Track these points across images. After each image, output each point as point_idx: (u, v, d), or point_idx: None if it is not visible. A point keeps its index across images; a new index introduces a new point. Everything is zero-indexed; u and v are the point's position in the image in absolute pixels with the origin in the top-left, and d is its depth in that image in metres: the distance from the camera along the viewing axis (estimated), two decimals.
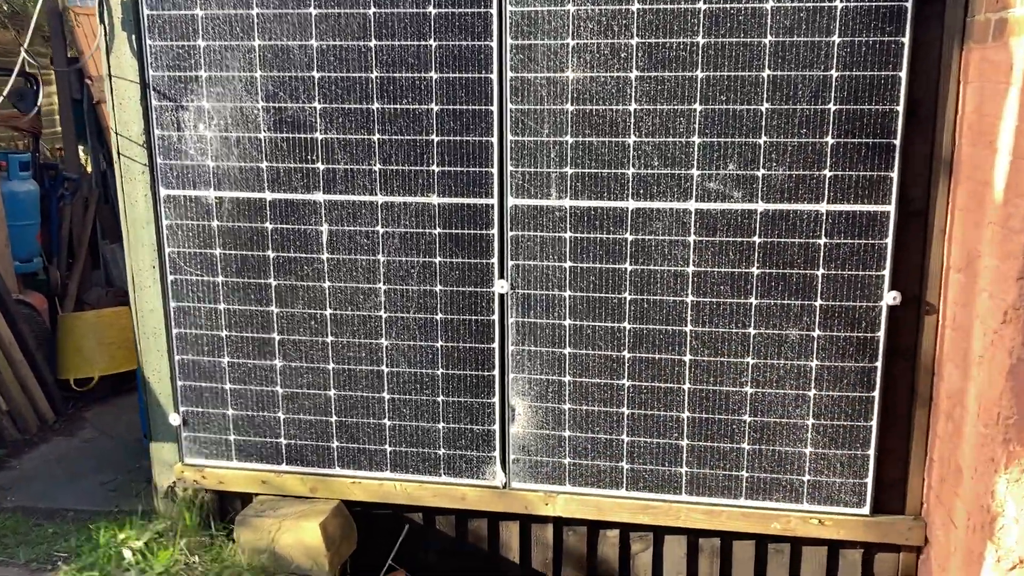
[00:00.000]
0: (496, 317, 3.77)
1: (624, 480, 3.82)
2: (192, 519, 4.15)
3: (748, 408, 3.66)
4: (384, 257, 3.80)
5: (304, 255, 3.87)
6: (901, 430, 3.64)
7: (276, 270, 3.90)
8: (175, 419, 4.14)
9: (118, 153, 3.98)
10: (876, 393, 3.56)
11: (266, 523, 3.92)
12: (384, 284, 3.82)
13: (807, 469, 3.67)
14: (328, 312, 3.89)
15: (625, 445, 3.79)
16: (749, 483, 3.72)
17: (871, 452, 3.61)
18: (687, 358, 3.66)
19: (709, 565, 3.91)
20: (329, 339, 3.92)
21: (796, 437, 3.65)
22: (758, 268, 3.53)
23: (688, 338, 3.64)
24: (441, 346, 3.83)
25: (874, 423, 3.59)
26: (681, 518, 3.80)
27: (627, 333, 3.68)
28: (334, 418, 3.99)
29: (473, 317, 3.79)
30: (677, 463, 3.76)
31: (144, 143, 3.93)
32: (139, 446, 5.28)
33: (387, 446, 3.98)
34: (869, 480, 3.64)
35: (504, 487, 3.93)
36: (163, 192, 3.93)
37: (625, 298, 3.64)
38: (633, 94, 3.48)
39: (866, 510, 3.67)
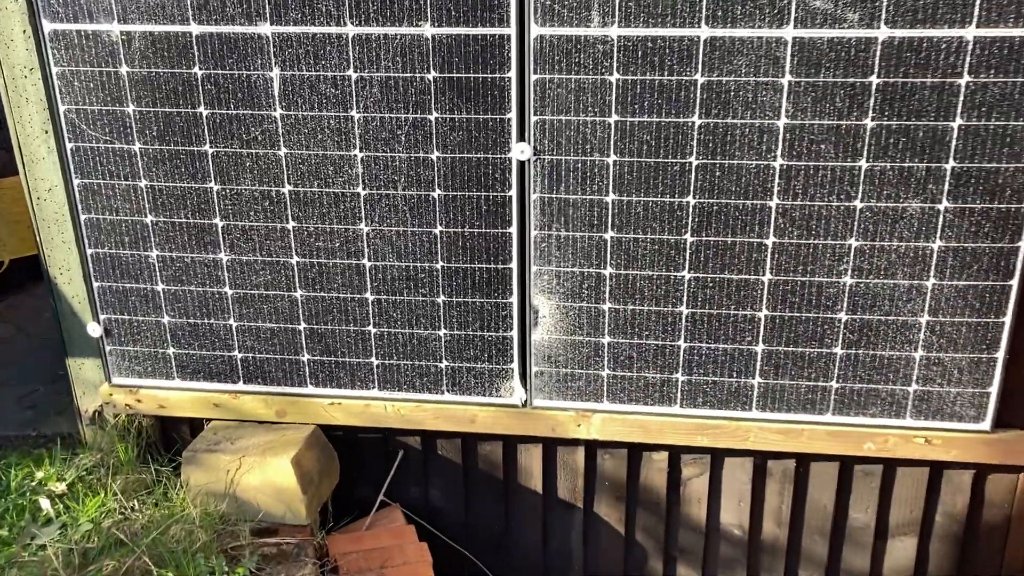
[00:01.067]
0: (514, 192, 2.83)
1: (678, 395, 3.01)
2: (127, 452, 3.29)
3: (845, 303, 2.81)
4: (359, 113, 2.80)
5: (249, 112, 2.85)
6: None
7: (212, 133, 2.88)
8: (95, 330, 3.20)
9: None
10: (1015, 281, 2.73)
11: (222, 460, 3.07)
12: (361, 151, 2.83)
13: (915, 377, 2.88)
14: (287, 189, 2.91)
15: (682, 352, 2.95)
16: (839, 396, 2.93)
17: (999, 355, 2.81)
18: (770, 241, 2.77)
19: (779, 491, 3.17)
20: (290, 225, 2.95)
21: (905, 338, 2.83)
22: (873, 119, 2.60)
23: (773, 215, 2.74)
24: (440, 232, 2.90)
25: (1008, 319, 2.77)
26: (751, 439, 3.02)
27: (691, 210, 2.77)
28: (303, 325, 3.09)
29: (482, 193, 2.84)
30: (748, 373, 2.94)
31: None
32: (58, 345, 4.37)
33: (373, 359, 3.10)
34: (994, 389, 2.86)
35: (524, 405, 3.10)
36: (48, 26, 2.84)
37: (690, 163, 2.71)
38: None
39: (986, 425, 2.90)
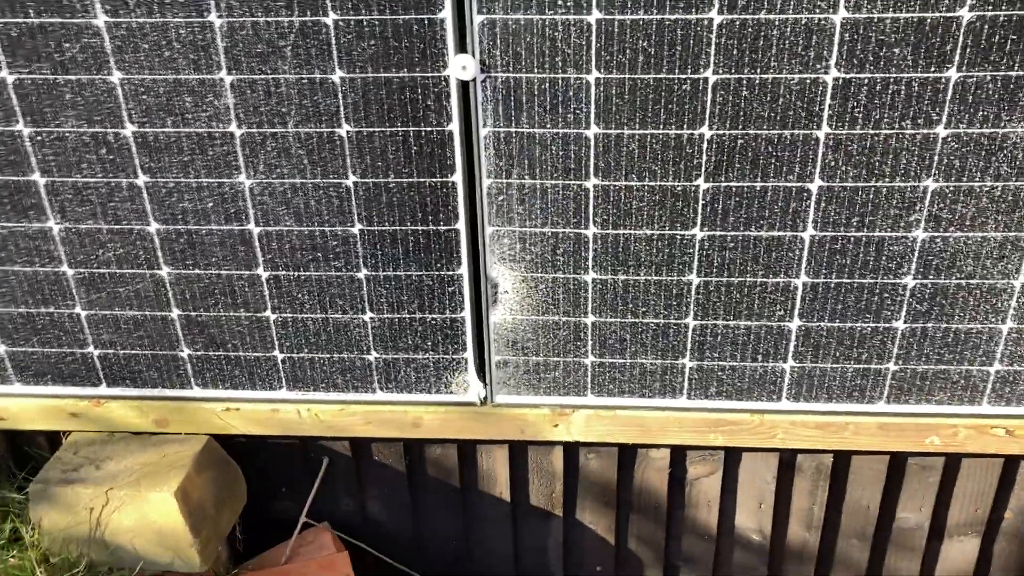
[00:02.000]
0: (455, 126, 1.98)
1: (685, 384, 2.28)
2: None
3: (914, 264, 2.06)
4: (221, 18, 1.89)
5: (59, 19, 1.92)
6: None
7: (9, 52, 1.97)
8: None
9: None
10: None
11: (83, 494, 2.30)
12: (230, 72, 1.95)
13: (999, 355, 2.16)
14: (129, 130, 2.03)
15: (690, 332, 2.20)
16: (898, 380, 2.21)
17: None
18: (815, 184, 1.98)
19: (810, 490, 2.50)
20: (141, 180, 2.09)
21: (991, 307, 2.10)
22: (973, 8, 1.78)
23: (821, 149, 1.94)
24: (355, 184, 2.06)
25: None
26: (779, 436, 2.31)
27: (706, 145, 1.96)
28: (176, 312, 2.27)
29: (411, 128, 1.99)
30: (779, 355, 2.21)
31: None
32: None
33: (276, 352, 2.31)
34: None
35: (484, 403, 2.35)
36: None
37: (706, 79, 1.88)
38: None
39: None
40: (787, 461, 2.47)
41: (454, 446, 2.51)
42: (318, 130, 2.00)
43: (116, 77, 1.97)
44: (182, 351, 2.33)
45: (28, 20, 1.92)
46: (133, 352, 2.34)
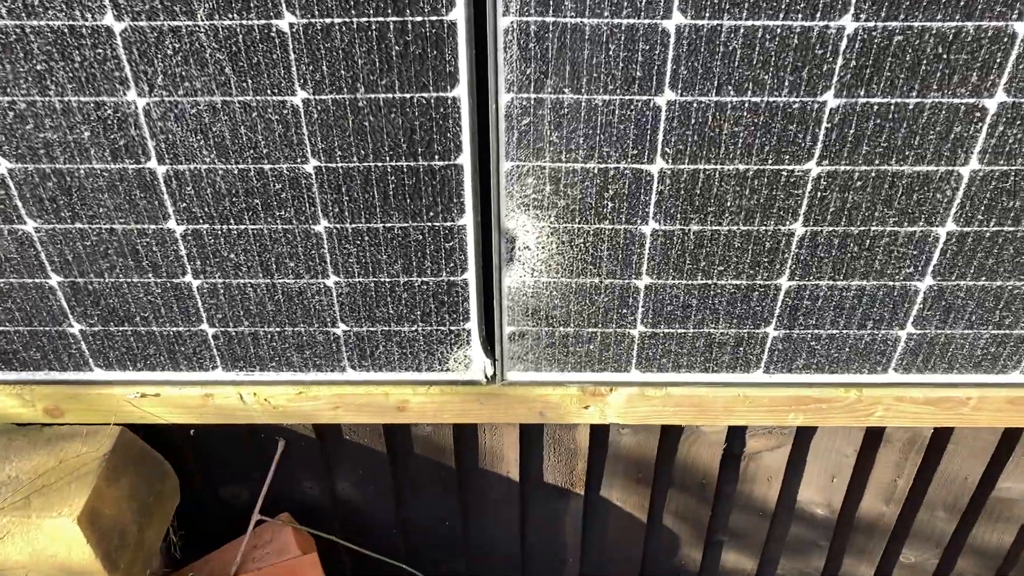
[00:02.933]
0: (460, 11, 1.28)
1: (764, 356, 1.70)
2: None
3: None
4: None
5: None
6: None
7: None
8: None
9: None
10: None
11: None
12: None
13: None
14: None
15: (782, 295, 1.60)
16: None
17: None
18: (993, 101, 1.34)
19: (896, 463, 2.00)
20: None
21: None
22: None
23: (1016, 44, 1.29)
24: (307, 101, 1.36)
25: None
26: (878, 413, 1.77)
27: (846, 44, 1.29)
28: (55, 279, 1.59)
29: (392, 19, 1.28)
30: (896, 321, 1.63)
31: None
32: None
33: (205, 325, 1.66)
34: None
35: (491, 380, 1.75)
36: None
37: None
38: None
39: None
40: (875, 434, 1.95)
41: (449, 424, 1.94)
42: (245, 22, 1.27)
43: None
44: (71, 326, 1.66)
45: None
46: (3, 328, 1.68)
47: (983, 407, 1.77)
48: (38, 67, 1.32)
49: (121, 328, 1.67)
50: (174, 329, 1.67)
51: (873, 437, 1.96)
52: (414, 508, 2.15)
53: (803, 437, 1.97)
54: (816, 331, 1.66)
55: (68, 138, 1.39)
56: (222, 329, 1.67)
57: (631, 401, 1.77)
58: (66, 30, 1.28)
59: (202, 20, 1.26)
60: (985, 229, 1.50)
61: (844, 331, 1.65)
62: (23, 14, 1.26)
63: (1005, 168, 1.41)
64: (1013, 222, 1.48)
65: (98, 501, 1.71)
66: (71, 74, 1.32)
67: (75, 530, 1.66)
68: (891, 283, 1.58)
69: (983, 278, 1.57)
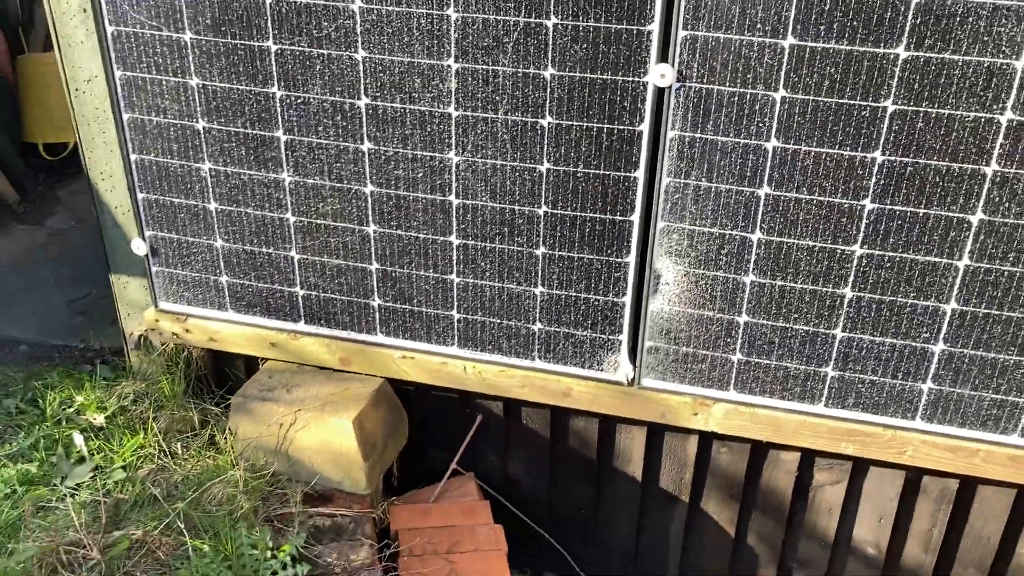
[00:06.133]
0: (646, 127, 2.22)
1: (825, 391, 2.43)
2: (174, 386, 2.90)
3: None
4: (458, 12, 2.20)
5: (322, 2, 2.27)
6: None
7: (277, 25, 2.33)
8: (139, 247, 2.76)
9: None
10: None
11: (276, 411, 2.65)
12: (457, 60, 2.25)
13: None
14: (363, 102, 2.36)
15: (837, 343, 2.35)
16: None
17: None
18: (976, 217, 2.11)
19: (932, 512, 2.60)
20: (366, 146, 2.41)
21: None
22: None
23: (987, 184, 2.07)
24: (548, 170, 2.32)
25: None
26: (908, 452, 2.43)
27: (877, 168, 2.12)
28: (375, 265, 2.59)
29: (605, 125, 2.24)
30: (919, 376, 2.34)
31: None
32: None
33: (454, 312, 2.60)
34: None
35: (631, 384, 2.57)
36: None
37: (884, 109, 2.05)
38: None
39: None
40: (913, 481, 2.58)
41: (596, 421, 2.74)
42: (524, 119, 2.27)
43: (360, 55, 2.30)
44: (374, 300, 2.65)
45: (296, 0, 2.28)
46: (332, 296, 2.68)
47: (990, 460, 2.39)
48: (406, 132, 2.36)
49: (403, 306, 2.63)
50: (434, 311, 2.61)
51: (912, 486, 2.58)
52: (561, 492, 2.92)
53: (858, 475, 2.61)
54: (861, 375, 2.38)
55: (410, 176, 2.41)
56: (464, 316, 2.59)
57: (728, 414, 2.52)
58: (427, 113, 2.32)
59: (501, 115, 2.27)
60: (979, 310, 2.22)
61: (882, 378, 2.37)
62: (408, 101, 2.31)
63: (988, 265, 2.16)
64: (999, 307, 2.20)
65: (364, 415, 2.62)
66: (422, 138, 2.35)
67: (349, 427, 2.57)
68: (914, 344, 2.30)
69: (981, 349, 2.26)
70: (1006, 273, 2.16)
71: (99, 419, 2.85)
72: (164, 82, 2.48)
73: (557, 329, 2.54)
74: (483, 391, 2.70)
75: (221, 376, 3.01)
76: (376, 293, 2.63)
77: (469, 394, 2.79)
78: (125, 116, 2.56)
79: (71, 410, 2.91)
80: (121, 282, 2.93)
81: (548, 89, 2.22)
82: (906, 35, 1.97)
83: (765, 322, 2.37)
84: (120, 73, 2.50)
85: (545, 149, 2.30)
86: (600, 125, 2.23)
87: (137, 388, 2.93)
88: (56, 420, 2.87)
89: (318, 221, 2.56)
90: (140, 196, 2.67)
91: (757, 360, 2.43)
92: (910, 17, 1.95)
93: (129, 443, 2.73)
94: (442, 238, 2.49)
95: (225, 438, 2.75)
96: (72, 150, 4.64)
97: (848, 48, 2.01)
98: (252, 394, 2.71)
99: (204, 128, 2.51)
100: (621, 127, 2.23)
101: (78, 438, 2.74)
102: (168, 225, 2.70)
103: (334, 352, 2.76)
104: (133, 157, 2.61)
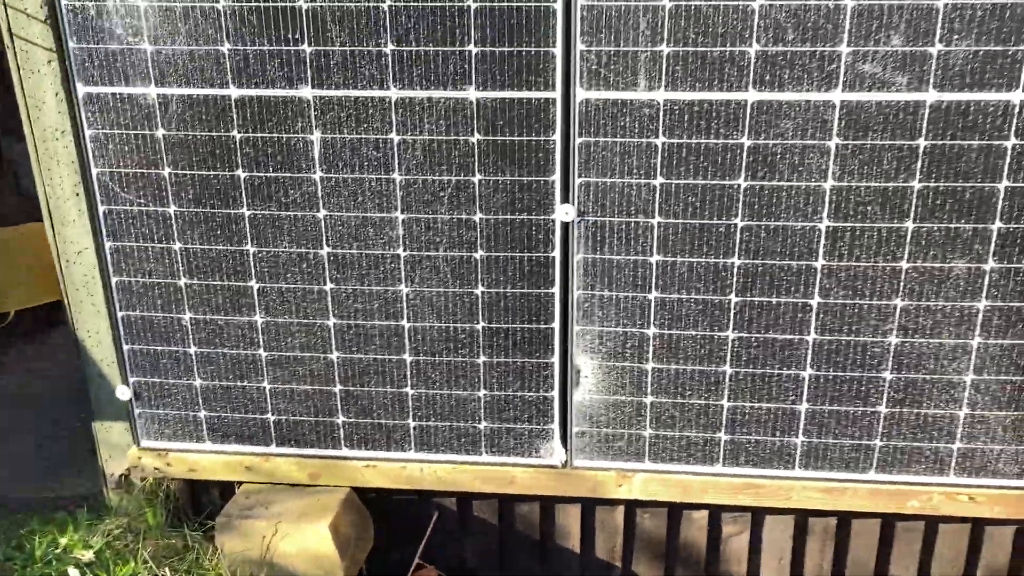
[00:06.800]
0: (557, 253, 2.80)
1: (721, 454, 2.98)
2: (156, 517, 3.21)
3: (890, 362, 2.80)
4: (401, 176, 2.76)
5: (289, 174, 2.81)
6: None
7: (251, 195, 2.84)
8: (124, 392, 3.13)
9: (10, 33, 2.81)
10: None
11: (257, 526, 3.00)
12: (403, 212, 2.80)
13: (959, 435, 2.87)
14: (325, 251, 2.87)
15: (725, 411, 2.92)
16: (883, 454, 2.91)
17: None
18: (815, 301, 2.76)
19: (820, 548, 3.14)
20: (328, 287, 2.91)
21: (949, 397, 2.82)
22: (920, 181, 2.61)
23: (818, 276, 2.73)
24: (482, 293, 2.86)
25: None
26: (793, 497, 2.99)
27: (736, 271, 2.75)
28: (338, 387, 3.04)
29: (525, 254, 2.81)
30: (792, 432, 2.92)
31: (47, 18, 2.76)
32: (81, 395, 4.29)
33: (410, 420, 3.06)
34: None
35: (565, 466, 3.05)
36: (82, 90, 2.79)
37: (736, 225, 2.70)
38: None
39: None
40: (800, 523, 3.12)
41: (538, 504, 3.20)
42: (460, 254, 2.82)
43: (322, 214, 2.82)
44: (339, 418, 3.08)
45: (266, 174, 2.80)
46: (300, 418, 3.09)
47: (857, 496, 2.96)
48: (362, 272, 2.87)
49: (365, 420, 3.07)
50: (393, 422, 3.06)
51: (800, 526, 3.12)
52: (513, 572, 3.32)
53: (757, 523, 3.14)
54: (748, 437, 2.94)
55: (367, 308, 2.91)
56: (418, 423, 3.05)
57: (646, 483, 3.03)
58: (379, 256, 2.84)
59: (441, 252, 2.81)
60: (829, 373, 2.83)
61: (764, 437, 2.94)
62: (363, 247, 2.84)
63: (829, 338, 2.79)
64: (842, 369, 2.82)
65: (338, 520, 3.00)
66: (377, 277, 2.86)
67: (326, 531, 2.95)
68: (784, 406, 2.89)
69: (835, 404, 2.87)
70: (843, 342, 2.79)
71: (87, 555, 3.12)
72: (150, 248, 2.93)
73: (500, 425, 3.03)
74: (438, 488, 3.14)
75: (198, 505, 3.34)
76: (340, 411, 3.07)
77: (425, 494, 3.22)
78: (114, 280, 2.98)
79: (58, 550, 3.17)
80: (104, 427, 3.27)
81: (478, 230, 2.79)
82: (744, 170, 2.64)
83: (666, 400, 2.93)
84: (110, 244, 2.94)
85: (479, 276, 2.84)
86: (521, 254, 2.81)
87: (120, 524, 3.23)
88: (46, 561, 3.12)
89: (288, 354, 3.01)
90: (126, 347, 3.06)
91: (664, 433, 2.97)
92: (745, 156, 2.63)
93: (122, 571, 3.01)
94: (397, 357, 2.97)
95: (209, 559, 3.07)
96: (12, 318, 4.93)
97: (703, 182, 2.67)
98: (234, 513, 3.06)
99: (186, 284, 2.96)
100: (538, 254, 2.80)
101: (73, 572, 3.01)
102: (151, 370, 3.09)
103: (304, 469, 3.15)
104: (120, 314, 3.02)
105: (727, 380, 2.88)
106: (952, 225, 2.64)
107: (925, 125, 2.55)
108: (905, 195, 2.62)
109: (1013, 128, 2.53)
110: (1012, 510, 2.92)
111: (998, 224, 2.62)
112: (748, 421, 2.93)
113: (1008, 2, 2.42)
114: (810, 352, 2.82)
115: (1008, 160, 2.56)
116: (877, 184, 2.62)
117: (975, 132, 2.54)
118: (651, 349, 2.87)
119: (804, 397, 2.87)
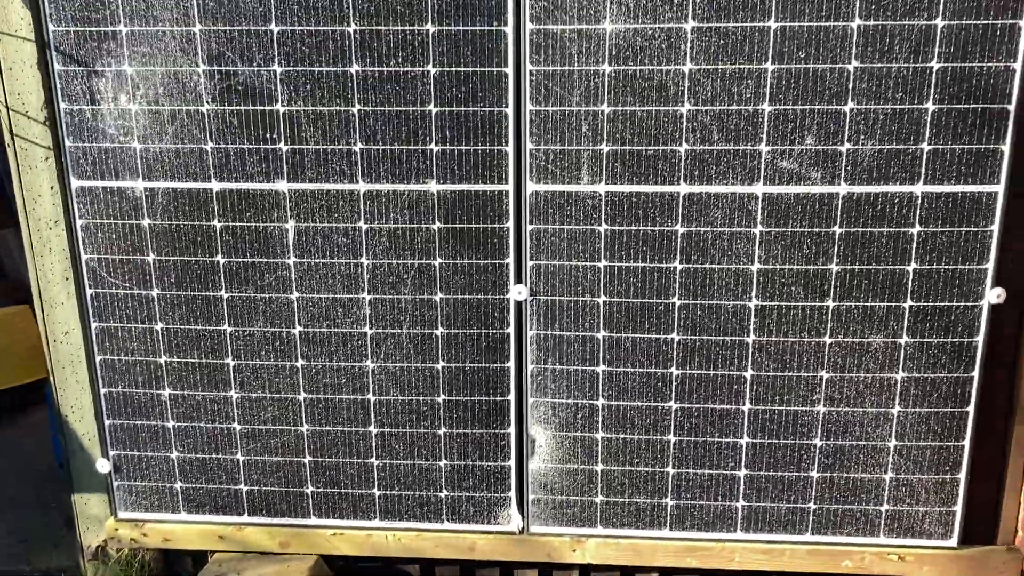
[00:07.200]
0: (512, 330, 3.04)
1: (668, 518, 3.18)
2: None
3: (819, 430, 3.04)
4: (368, 260, 3.02)
5: (265, 260, 3.05)
6: (996, 448, 3.09)
7: (228, 280, 3.07)
8: (104, 466, 3.30)
9: (11, 132, 3.07)
10: (971, 408, 2.98)
11: None
12: (369, 294, 3.04)
13: (886, 498, 3.09)
14: (297, 330, 3.10)
15: (670, 478, 3.14)
16: (817, 516, 3.12)
17: (962, 476, 3.05)
18: (748, 374, 3.01)
19: None
20: (299, 363, 3.13)
21: (875, 462, 3.05)
22: (838, 263, 2.89)
23: (750, 350, 2.98)
24: (443, 367, 3.09)
25: (967, 442, 3.02)
26: (736, 559, 3.18)
27: (675, 346, 3.00)
28: (307, 459, 3.22)
29: (483, 331, 3.05)
30: (733, 496, 3.14)
31: (46, 120, 3.03)
32: (52, 474, 4.42)
33: (375, 490, 3.24)
34: (958, 508, 3.08)
35: (522, 532, 3.24)
36: (75, 184, 3.04)
37: (674, 304, 2.96)
38: (688, 50, 2.76)
39: (953, 542, 3.11)
40: None
41: (497, 569, 3.36)
42: (422, 331, 3.06)
43: (295, 296, 3.06)
44: (307, 488, 3.25)
45: (243, 259, 3.04)
46: (272, 488, 3.27)
47: (795, 556, 3.16)
48: (331, 349, 3.09)
49: (333, 490, 3.25)
50: (359, 491, 3.24)
51: None
52: None
53: None
54: (692, 502, 3.15)
55: (335, 382, 3.12)
56: (383, 492, 3.23)
57: (598, 547, 3.21)
58: (347, 334, 3.07)
59: (405, 330, 3.05)
60: (764, 440, 3.06)
61: (707, 502, 3.14)
62: (332, 326, 3.07)
63: (763, 407, 3.03)
64: (776, 437, 3.05)
65: None
66: (344, 353, 3.09)
67: None
68: (725, 472, 3.11)
69: (771, 470, 3.09)
70: (776, 411, 3.03)
71: None
72: (133, 329, 3.14)
73: (460, 494, 3.22)
74: (402, 555, 3.30)
75: (172, 574, 3.47)
76: (310, 482, 3.25)
77: (391, 561, 3.37)
78: (98, 358, 3.18)
79: None
80: (83, 500, 3.42)
81: (439, 309, 3.03)
82: (679, 254, 2.91)
83: (616, 468, 3.14)
84: (96, 325, 3.15)
85: (440, 352, 3.07)
86: (479, 331, 3.04)
87: None
88: None
89: (260, 427, 3.20)
90: (107, 422, 3.24)
91: (614, 499, 3.17)
92: (679, 241, 2.90)
93: None
94: (363, 429, 3.17)
95: None
96: None
97: (643, 265, 2.93)
98: None
99: (166, 362, 3.16)
100: (494, 331, 3.04)
101: None
102: (130, 444, 3.26)
103: (275, 537, 3.31)
104: (103, 391, 3.21)
105: (671, 448, 3.10)
106: (869, 304, 2.91)
107: (839, 214, 2.84)
108: (825, 276, 2.90)
109: (917, 216, 2.83)
110: (940, 570, 3.13)
111: (909, 302, 2.90)
112: (692, 487, 3.14)
113: (906, 108, 2.75)
114: (746, 421, 3.05)
115: (914, 245, 2.85)
116: (799, 267, 2.90)
117: (884, 220, 2.84)
118: (600, 419, 3.09)
119: (743, 463, 3.10)
